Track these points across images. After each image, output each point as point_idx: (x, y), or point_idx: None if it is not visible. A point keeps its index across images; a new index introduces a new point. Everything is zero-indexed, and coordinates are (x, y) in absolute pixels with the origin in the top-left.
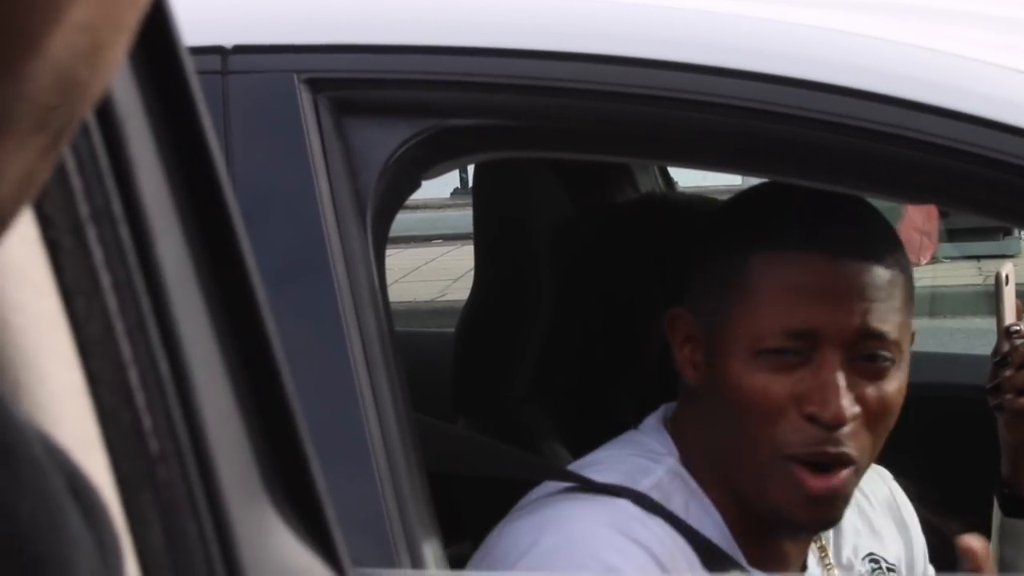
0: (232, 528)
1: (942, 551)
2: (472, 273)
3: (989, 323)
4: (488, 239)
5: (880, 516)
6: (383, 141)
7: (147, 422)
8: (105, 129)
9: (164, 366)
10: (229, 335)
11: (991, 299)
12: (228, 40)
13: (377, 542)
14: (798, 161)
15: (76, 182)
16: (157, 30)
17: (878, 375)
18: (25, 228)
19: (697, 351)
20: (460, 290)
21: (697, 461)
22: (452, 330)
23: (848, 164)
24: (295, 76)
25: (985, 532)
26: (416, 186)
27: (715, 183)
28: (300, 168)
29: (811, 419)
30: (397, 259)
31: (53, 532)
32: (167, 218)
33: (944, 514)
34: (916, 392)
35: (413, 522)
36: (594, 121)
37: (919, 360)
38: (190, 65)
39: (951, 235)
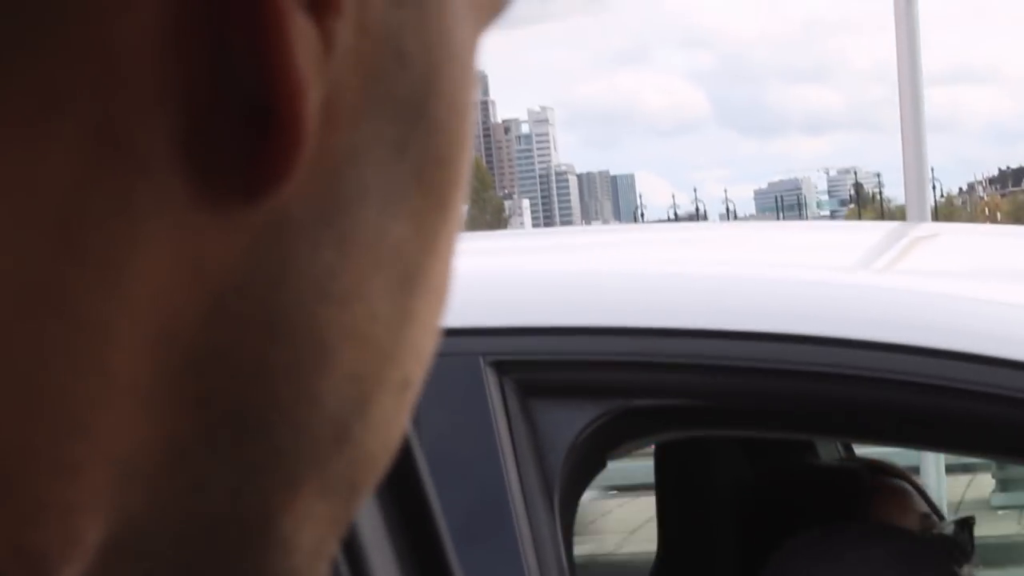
0: None
1: None
2: (648, 525)
3: None
4: (672, 501)
5: None
6: (569, 422)
7: None
8: None
9: None
10: None
11: None
12: None
13: None
14: (971, 435)
15: None
16: None
17: None
18: None
19: None
20: (637, 542)
21: None
22: None
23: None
24: (481, 359)
25: None
26: (602, 466)
27: (893, 449)
28: (488, 450)
29: None
30: None
31: None
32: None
33: None
34: None
35: None
36: (776, 399)
37: None
38: None
39: (1003, 485)
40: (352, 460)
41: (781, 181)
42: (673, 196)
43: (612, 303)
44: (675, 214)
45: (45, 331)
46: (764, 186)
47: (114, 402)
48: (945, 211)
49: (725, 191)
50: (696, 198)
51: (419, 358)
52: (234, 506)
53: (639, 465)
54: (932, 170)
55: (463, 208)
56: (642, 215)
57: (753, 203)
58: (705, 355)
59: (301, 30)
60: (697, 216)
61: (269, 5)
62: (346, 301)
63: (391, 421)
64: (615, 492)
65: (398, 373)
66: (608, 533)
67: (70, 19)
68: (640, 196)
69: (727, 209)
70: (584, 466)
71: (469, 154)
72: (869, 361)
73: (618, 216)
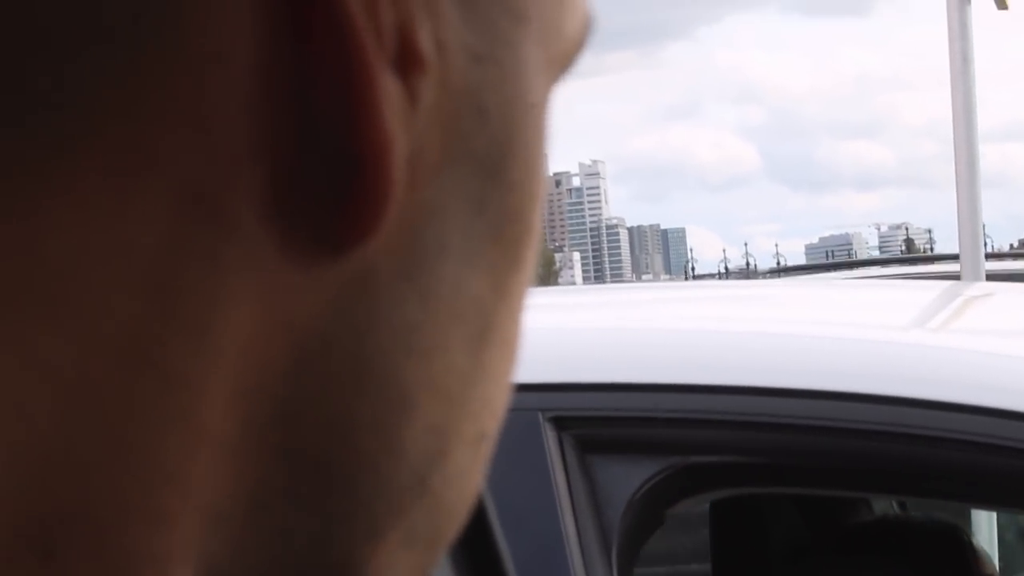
0: None
1: None
2: None
3: None
4: (726, 559)
5: None
6: (627, 478)
7: None
8: None
9: None
10: None
11: None
12: None
13: None
14: None
15: None
16: None
17: None
18: None
19: None
20: None
21: None
22: None
23: None
24: (540, 414)
25: None
26: (660, 522)
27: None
28: (547, 505)
29: None
30: None
31: None
32: None
33: None
34: None
35: None
36: (832, 457)
37: None
38: None
39: None
40: (431, 511)
41: (832, 236)
42: (724, 250)
43: (670, 360)
44: (726, 268)
45: (136, 385)
46: (815, 241)
47: (203, 454)
48: None
49: (776, 245)
50: (747, 252)
51: (493, 411)
52: (318, 554)
53: None
54: (983, 227)
55: (534, 263)
56: (692, 269)
57: (804, 258)
58: (762, 413)
59: (389, 88)
60: (747, 270)
61: (360, 63)
62: (427, 354)
63: (468, 473)
64: None
65: (474, 426)
66: None
67: (161, 77)
68: (691, 250)
69: (777, 264)
70: (642, 522)
71: (541, 209)
72: (924, 420)
73: (668, 270)
